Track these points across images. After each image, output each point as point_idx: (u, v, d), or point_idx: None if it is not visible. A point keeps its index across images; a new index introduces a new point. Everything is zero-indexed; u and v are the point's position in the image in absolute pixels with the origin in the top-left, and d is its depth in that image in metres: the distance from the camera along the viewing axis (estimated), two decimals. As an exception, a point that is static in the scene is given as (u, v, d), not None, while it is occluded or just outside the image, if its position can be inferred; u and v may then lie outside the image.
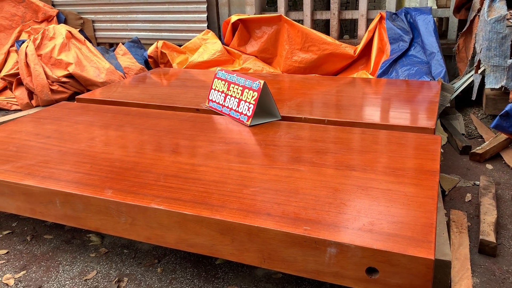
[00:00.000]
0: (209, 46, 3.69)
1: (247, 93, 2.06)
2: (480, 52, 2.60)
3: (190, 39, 3.92)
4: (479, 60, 2.64)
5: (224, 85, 2.21)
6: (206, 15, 4.17)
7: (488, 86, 2.61)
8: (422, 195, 1.37)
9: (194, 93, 2.60)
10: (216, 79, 2.27)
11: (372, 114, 2.12)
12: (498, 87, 2.57)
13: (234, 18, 3.63)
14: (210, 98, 2.28)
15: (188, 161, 1.66)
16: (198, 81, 2.92)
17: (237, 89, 2.12)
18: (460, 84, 2.95)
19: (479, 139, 2.58)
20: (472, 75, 2.87)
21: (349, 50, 3.33)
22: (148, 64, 3.85)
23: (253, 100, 2.02)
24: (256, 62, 3.56)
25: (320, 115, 2.12)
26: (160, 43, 3.74)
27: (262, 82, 2.00)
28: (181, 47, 3.85)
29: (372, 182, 1.46)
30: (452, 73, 3.33)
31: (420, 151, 1.68)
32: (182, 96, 2.56)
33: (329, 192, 1.40)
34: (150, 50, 3.76)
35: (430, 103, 2.25)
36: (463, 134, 2.64)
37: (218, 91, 2.24)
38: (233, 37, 3.69)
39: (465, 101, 3.01)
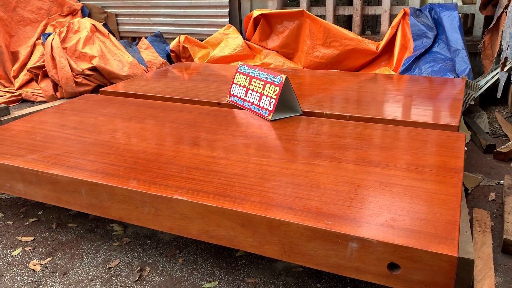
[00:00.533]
0: (231, 41, 3.71)
1: (269, 87, 2.07)
2: (507, 49, 2.55)
3: (211, 34, 3.94)
4: (506, 58, 2.59)
5: (245, 79, 2.22)
6: (228, 9, 4.19)
7: (514, 84, 2.55)
8: (445, 193, 1.36)
9: (215, 88, 2.62)
10: (238, 74, 2.28)
11: (394, 110, 2.10)
12: (524, 85, 2.52)
13: (256, 13, 3.63)
14: (232, 93, 2.29)
15: (210, 154, 1.68)
16: (219, 76, 2.94)
17: (259, 83, 2.13)
18: (485, 82, 2.90)
19: (504, 138, 2.54)
20: (497, 72, 2.81)
21: (372, 46, 3.30)
22: (170, 58, 3.89)
23: (275, 95, 2.03)
24: (277, 57, 3.55)
25: (341, 110, 2.11)
26: (182, 37, 3.77)
27: (284, 76, 2.00)
28: (203, 41, 3.87)
29: (394, 178, 1.45)
30: (477, 71, 3.27)
31: (444, 148, 1.67)
32: (203, 90, 2.58)
33: (350, 188, 1.40)
34: (172, 45, 3.80)
35: (454, 100, 2.22)
36: (487, 133, 2.59)
37: (240, 85, 2.25)
38: (255, 32, 3.69)
39: (490, 99, 2.95)
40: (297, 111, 2.11)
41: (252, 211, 1.30)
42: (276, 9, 3.92)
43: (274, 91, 2.03)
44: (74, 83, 3.41)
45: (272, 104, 2.03)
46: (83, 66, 3.49)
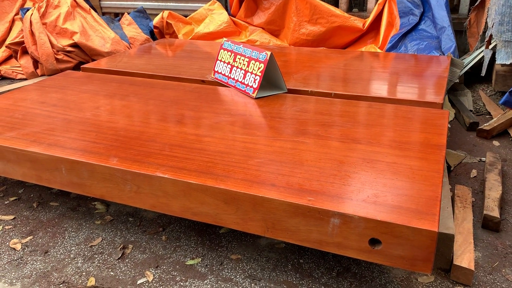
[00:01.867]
0: (215, 17, 3.64)
1: (254, 64, 2.04)
2: (492, 26, 2.55)
3: (196, 10, 3.85)
4: (491, 35, 2.59)
5: (230, 56, 2.18)
6: (212, -15, 4.10)
7: (498, 61, 2.56)
8: (427, 169, 1.36)
9: (199, 65, 2.58)
10: (222, 50, 2.24)
11: (380, 88, 2.10)
12: (509, 63, 2.53)
13: (241, -12, 3.56)
14: (216, 70, 2.26)
15: (193, 131, 1.66)
16: (203, 53, 2.89)
17: (244, 60, 2.10)
18: (470, 60, 2.90)
19: (487, 116, 2.56)
20: (482, 50, 2.82)
21: (358, 23, 3.27)
22: (154, 34, 3.81)
23: (260, 72, 2.00)
24: (263, 34, 3.50)
25: (326, 88, 2.10)
26: (166, 13, 3.68)
27: (269, 53, 1.97)
28: (187, 17, 3.79)
29: (377, 155, 1.45)
30: (462, 49, 3.27)
31: (427, 125, 1.67)
32: (187, 67, 2.54)
33: (333, 164, 1.40)
34: (156, 21, 3.71)
35: (439, 78, 2.22)
36: (471, 111, 2.61)
37: (224, 62, 2.21)
38: (240, 8, 3.62)
39: (474, 77, 2.97)
40: (282, 88, 2.09)
41: (235, 188, 1.29)
42: (262, -16, 3.85)
43: (259, 68, 2.01)
44: (54, 60, 3.32)
45: (256, 82, 2.00)
46: (64, 42, 3.40)
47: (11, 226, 1.66)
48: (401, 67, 2.43)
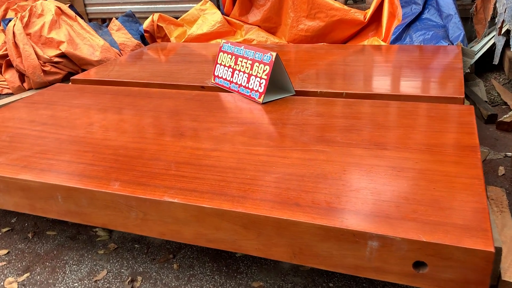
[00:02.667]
0: (208, 17, 3.48)
1: (258, 67, 1.89)
2: (505, 12, 2.41)
3: (187, 10, 3.69)
4: (503, 21, 2.46)
5: (231, 59, 2.03)
6: (202, -16, 3.93)
7: (512, 48, 2.43)
8: (465, 175, 1.23)
9: (197, 69, 2.42)
10: (221, 53, 2.09)
11: (393, 84, 1.96)
12: (522, 49, 2.40)
13: (233, -14, 3.40)
14: (216, 74, 2.10)
15: (200, 145, 1.51)
16: (200, 56, 2.73)
17: (246, 63, 1.95)
18: (479, 48, 2.77)
19: (503, 106, 2.43)
20: (492, 37, 2.69)
21: (359, 15, 3.13)
22: (145, 39, 3.64)
23: (265, 75, 1.85)
24: (260, 32, 3.35)
25: (337, 87, 1.95)
26: (156, 16, 3.52)
27: (274, 54, 1.82)
28: (178, 19, 3.63)
29: (407, 162, 1.31)
30: (469, 36, 3.14)
31: (454, 124, 1.53)
32: (184, 72, 2.38)
33: (361, 176, 1.26)
34: (146, 24, 3.54)
35: (454, 69, 2.08)
36: (485, 101, 2.48)
37: (225, 66, 2.06)
38: (234, 7, 3.47)
39: (485, 65, 2.84)
40: (290, 91, 1.94)
41: (254, 211, 1.14)
42: (254, -20, 3.69)
43: (264, 71, 1.86)
44: (42, 72, 3.15)
45: (262, 85, 1.86)
46: (51, 53, 3.22)
47: (5, 262, 1.50)
48: (411, 60, 2.29)
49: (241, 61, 1.97)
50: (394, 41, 2.94)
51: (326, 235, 1.08)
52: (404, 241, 1.02)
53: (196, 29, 3.40)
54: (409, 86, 1.91)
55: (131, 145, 1.55)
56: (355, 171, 1.28)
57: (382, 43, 2.96)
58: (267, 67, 1.84)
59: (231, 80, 2.02)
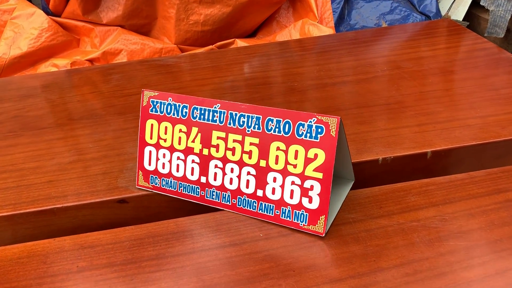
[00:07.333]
0: (23, 23, 1.99)
1: (293, 151, 0.74)
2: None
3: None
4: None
5: (190, 133, 0.82)
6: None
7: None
8: None
9: (56, 150, 1.09)
10: (150, 121, 0.85)
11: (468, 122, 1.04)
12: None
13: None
14: (149, 168, 0.87)
15: None
16: (50, 114, 1.34)
17: (252, 141, 0.78)
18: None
19: None
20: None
21: (277, -10, 2.11)
22: None
23: (321, 171, 0.72)
24: (125, 35, 2.04)
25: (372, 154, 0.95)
26: None
27: (335, 119, 0.70)
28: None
29: None
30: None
31: None
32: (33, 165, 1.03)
33: None
34: None
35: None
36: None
37: (176, 150, 0.84)
38: (66, -1, 2.06)
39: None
40: (349, 177, 0.86)
41: None
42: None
43: (314, 160, 0.73)
44: None
45: (317, 200, 0.73)
46: None
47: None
48: (420, 55, 1.41)
49: (234, 139, 0.79)
50: (338, 23, 2.03)
51: None
52: None
53: (8, 49, 1.90)
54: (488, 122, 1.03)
55: None
56: None
57: (326, 29, 2.01)
58: (322, 152, 0.72)
59: (216, 184, 0.82)
